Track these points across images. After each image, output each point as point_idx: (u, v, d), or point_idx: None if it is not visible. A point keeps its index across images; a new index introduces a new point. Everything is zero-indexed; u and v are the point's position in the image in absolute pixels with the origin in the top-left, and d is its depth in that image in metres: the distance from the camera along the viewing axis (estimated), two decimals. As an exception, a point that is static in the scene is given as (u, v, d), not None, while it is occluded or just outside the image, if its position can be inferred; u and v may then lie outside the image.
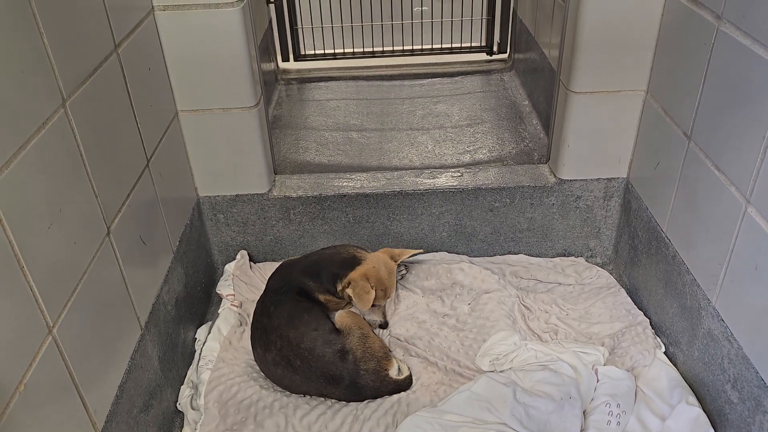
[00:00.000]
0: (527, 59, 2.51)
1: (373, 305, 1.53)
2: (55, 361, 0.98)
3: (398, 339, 1.62)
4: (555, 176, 1.81)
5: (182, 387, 1.53)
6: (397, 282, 1.69)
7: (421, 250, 1.79)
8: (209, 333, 1.63)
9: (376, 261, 1.56)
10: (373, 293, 1.49)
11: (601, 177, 1.77)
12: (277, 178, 1.85)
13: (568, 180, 1.78)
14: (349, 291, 1.51)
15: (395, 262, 1.60)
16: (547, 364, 1.46)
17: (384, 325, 1.63)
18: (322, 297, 1.56)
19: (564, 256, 1.92)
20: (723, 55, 1.25)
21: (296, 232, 1.87)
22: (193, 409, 1.46)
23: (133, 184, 1.32)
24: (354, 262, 1.54)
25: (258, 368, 1.53)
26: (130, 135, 1.32)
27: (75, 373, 1.03)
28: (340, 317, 1.51)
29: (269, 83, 2.54)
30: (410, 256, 1.68)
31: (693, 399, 1.38)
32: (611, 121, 1.67)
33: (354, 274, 1.51)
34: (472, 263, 1.82)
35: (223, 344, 1.59)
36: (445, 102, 2.48)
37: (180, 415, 1.49)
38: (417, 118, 2.36)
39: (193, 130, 1.66)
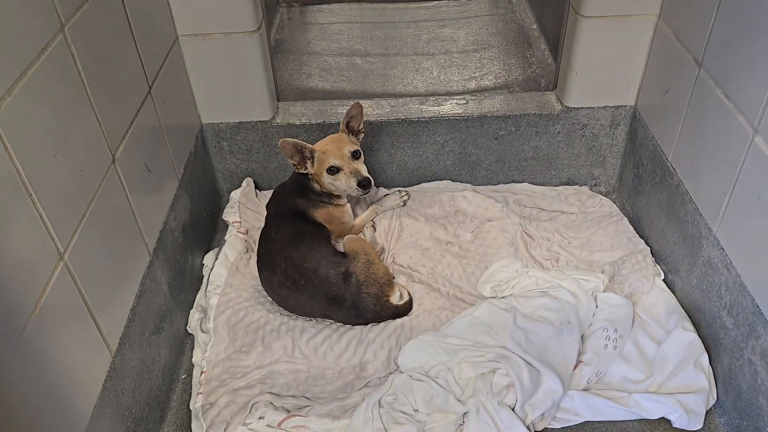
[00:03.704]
0: (537, -19, 2.43)
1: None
2: (68, 286, 1.01)
3: (402, 266, 1.65)
4: (561, 104, 1.78)
5: (191, 311, 1.57)
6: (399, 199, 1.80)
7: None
8: (216, 259, 1.66)
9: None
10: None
11: (608, 105, 1.75)
12: (280, 105, 1.83)
13: (574, 108, 1.76)
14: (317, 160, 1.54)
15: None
16: (547, 290, 1.49)
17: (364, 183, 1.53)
18: (319, 216, 1.58)
19: (568, 184, 1.92)
20: (740, -22, 1.20)
21: (300, 160, 1.86)
22: (202, 332, 1.51)
23: (136, 111, 1.31)
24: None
25: (265, 293, 1.57)
26: (130, 61, 1.30)
27: (87, 297, 1.06)
28: (348, 241, 1.54)
29: (270, 6, 2.47)
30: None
31: (689, 324, 1.42)
32: (621, 46, 1.63)
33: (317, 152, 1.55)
34: (475, 191, 1.82)
35: (230, 270, 1.62)
36: (451, 26, 2.42)
37: (190, 337, 1.54)
38: (422, 43, 2.30)
39: (194, 56, 1.63)
